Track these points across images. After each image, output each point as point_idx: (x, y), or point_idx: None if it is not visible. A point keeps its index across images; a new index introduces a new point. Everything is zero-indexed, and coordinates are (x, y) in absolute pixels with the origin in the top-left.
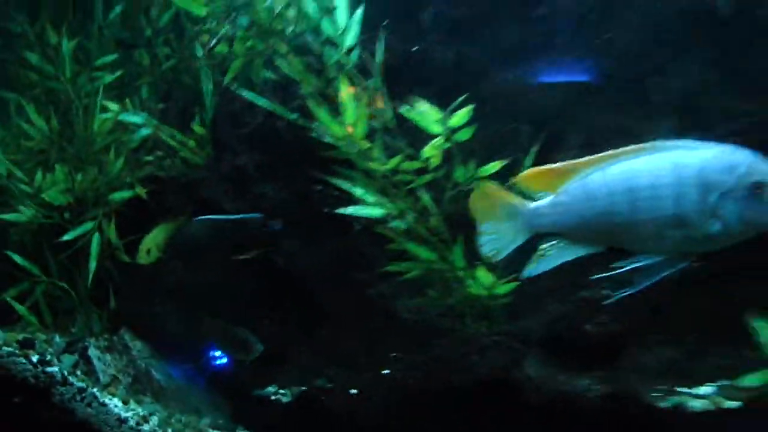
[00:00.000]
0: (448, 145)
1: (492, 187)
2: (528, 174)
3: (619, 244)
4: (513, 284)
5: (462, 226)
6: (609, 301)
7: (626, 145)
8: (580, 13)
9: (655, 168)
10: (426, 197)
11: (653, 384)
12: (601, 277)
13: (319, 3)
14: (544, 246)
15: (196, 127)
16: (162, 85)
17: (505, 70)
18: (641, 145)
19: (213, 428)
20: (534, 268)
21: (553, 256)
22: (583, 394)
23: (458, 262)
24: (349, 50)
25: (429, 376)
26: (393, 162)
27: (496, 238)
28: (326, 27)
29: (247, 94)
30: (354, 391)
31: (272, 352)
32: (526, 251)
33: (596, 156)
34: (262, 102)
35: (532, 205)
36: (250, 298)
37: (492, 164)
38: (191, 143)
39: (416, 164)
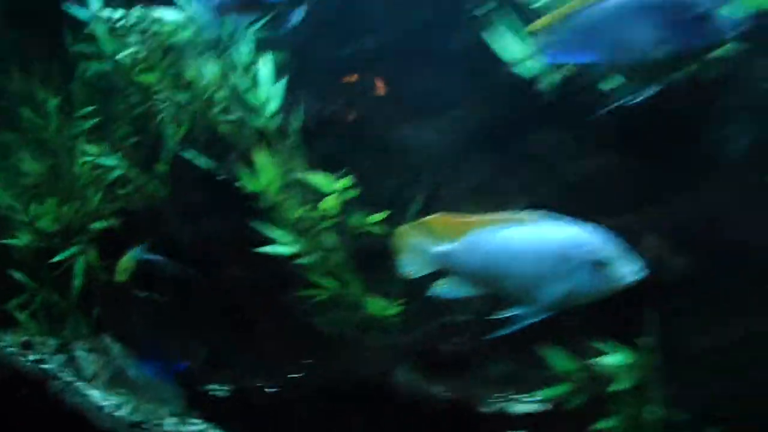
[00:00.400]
0: (342, 198)
1: (410, 229)
2: (435, 220)
3: (497, 293)
4: (400, 308)
5: (361, 260)
6: (488, 337)
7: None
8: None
9: (527, 237)
10: (329, 238)
11: (491, 391)
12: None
13: (246, 79)
14: (441, 281)
15: (159, 166)
16: (132, 129)
17: (404, 128)
18: (524, 215)
19: (171, 415)
20: (437, 291)
21: (450, 289)
22: (436, 398)
23: (355, 290)
24: (272, 116)
25: (330, 378)
26: (300, 211)
27: (412, 266)
28: (252, 98)
29: (187, 154)
30: (273, 389)
31: (216, 356)
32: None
33: (490, 216)
34: (201, 161)
35: (438, 247)
36: (201, 315)
37: (379, 215)
38: (155, 181)
39: (319, 213)
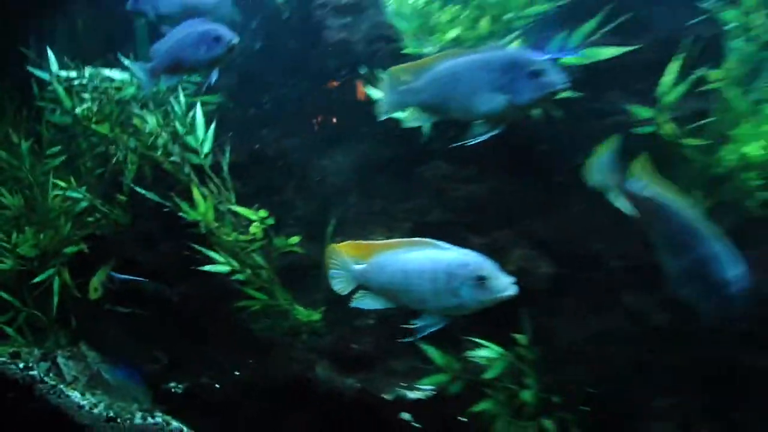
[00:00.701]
0: (263, 225)
1: (336, 250)
2: (346, 246)
3: (404, 304)
4: (320, 314)
5: (287, 275)
6: (406, 339)
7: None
8: None
9: (422, 259)
10: (257, 258)
11: (392, 381)
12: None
13: (183, 124)
14: (358, 294)
15: (120, 197)
16: (95, 165)
17: (320, 158)
18: (419, 240)
19: (140, 410)
20: (357, 303)
21: (366, 302)
22: (348, 388)
23: (283, 300)
24: (206, 155)
25: (265, 375)
26: (233, 235)
27: (339, 282)
28: (189, 140)
29: (138, 190)
30: (218, 386)
31: (173, 360)
32: None
33: (391, 241)
34: (149, 195)
35: (355, 267)
36: (162, 325)
37: (296, 237)
38: (117, 209)
39: (248, 237)
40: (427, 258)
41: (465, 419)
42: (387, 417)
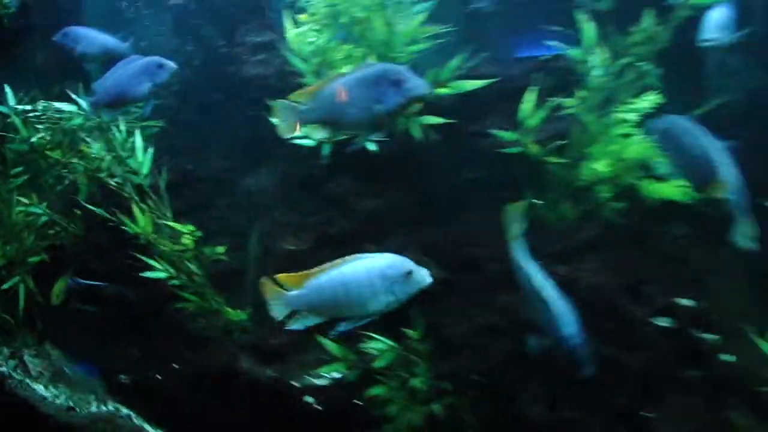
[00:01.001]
0: (193, 236)
1: (267, 284)
2: (282, 277)
3: (340, 315)
4: (246, 315)
5: (219, 280)
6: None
7: None
8: None
9: (357, 270)
10: (191, 265)
11: (302, 371)
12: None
13: (124, 149)
14: (297, 316)
15: (76, 212)
16: (54, 183)
17: (246, 177)
18: (351, 256)
19: (95, 400)
20: (294, 324)
21: (303, 321)
22: (267, 377)
23: (214, 302)
24: (145, 176)
25: (199, 367)
26: (169, 245)
27: (276, 309)
28: (131, 162)
29: (88, 206)
30: (159, 377)
31: (123, 354)
32: None
33: (323, 266)
34: (97, 210)
35: (289, 294)
36: (113, 325)
37: (220, 247)
38: (74, 223)
39: (181, 247)
40: (361, 268)
41: (361, 402)
42: (295, 401)
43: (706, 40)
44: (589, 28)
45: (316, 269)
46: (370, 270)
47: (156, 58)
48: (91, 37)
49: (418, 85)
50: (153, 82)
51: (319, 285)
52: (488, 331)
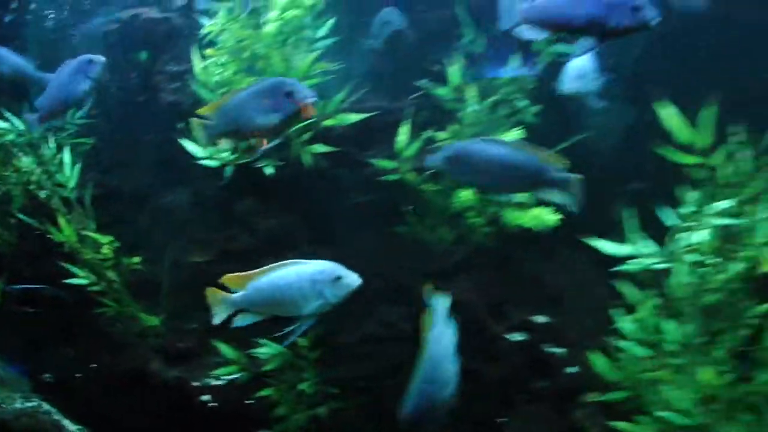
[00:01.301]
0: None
1: (213, 290)
2: (226, 278)
3: (278, 314)
4: (160, 320)
5: (137, 288)
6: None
7: None
8: None
9: (290, 274)
10: (111, 274)
11: (204, 372)
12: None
13: (53, 164)
14: (240, 315)
15: (10, 221)
16: None
17: (165, 194)
18: (282, 263)
19: (21, 397)
20: (238, 322)
21: (245, 319)
22: (173, 378)
23: (131, 308)
24: (72, 189)
25: (115, 367)
26: (91, 254)
27: (218, 313)
28: (59, 177)
29: (21, 216)
30: (81, 376)
31: (48, 355)
32: None
33: (263, 268)
34: (27, 220)
35: (232, 296)
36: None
37: (136, 258)
38: (8, 232)
39: (101, 256)
40: (293, 273)
41: (252, 402)
42: (195, 399)
43: (564, 90)
44: (453, 70)
45: (257, 271)
46: (301, 275)
47: (85, 56)
48: (3, 57)
49: (308, 95)
50: (89, 78)
51: (259, 286)
52: (372, 341)
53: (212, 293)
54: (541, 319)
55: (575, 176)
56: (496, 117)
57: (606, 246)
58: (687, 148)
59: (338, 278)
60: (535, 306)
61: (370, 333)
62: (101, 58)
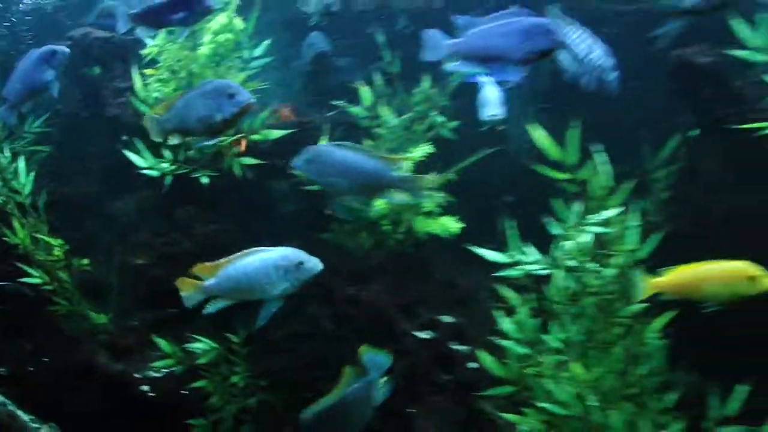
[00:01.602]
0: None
1: (185, 280)
2: (198, 267)
3: (247, 299)
4: (107, 318)
5: (87, 288)
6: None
7: None
8: None
9: (256, 261)
10: (62, 274)
11: (144, 364)
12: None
13: (8, 171)
14: (211, 302)
15: None
16: None
17: (114, 200)
18: (248, 250)
19: None
20: (210, 308)
21: (215, 305)
22: (117, 371)
23: (81, 306)
24: (27, 195)
25: (67, 361)
26: (42, 256)
27: (190, 299)
28: (15, 184)
29: None
30: (34, 369)
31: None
32: None
33: (231, 257)
34: None
35: (205, 283)
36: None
37: (85, 260)
38: None
39: (53, 257)
40: (259, 260)
41: (187, 392)
42: (136, 390)
43: (488, 117)
44: (365, 91)
45: (225, 260)
46: (266, 261)
47: (48, 47)
48: None
49: (248, 97)
50: (53, 68)
51: (228, 274)
52: (298, 337)
53: (186, 282)
54: (447, 318)
55: (415, 176)
56: (413, 132)
57: (488, 254)
58: (559, 166)
59: (301, 263)
60: (443, 307)
61: (296, 330)
62: (65, 49)
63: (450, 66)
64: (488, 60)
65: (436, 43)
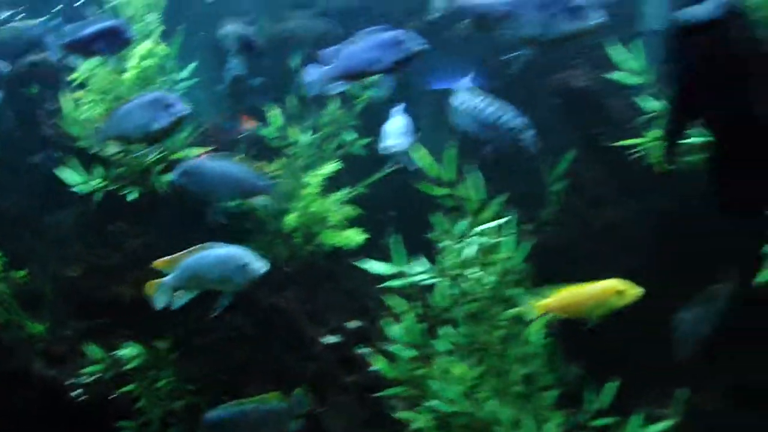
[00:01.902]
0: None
1: (152, 283)
2: (159, 261)
3: (206, 289)
4: (44, 327)
5: (26, 299)
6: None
7: None
8: None
9: (209, 257)
10: (1, 285)
11: (77, 370)
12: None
13: None
14: (177, 293)
15: None
16: None
17: (50, 215)
18: (202, 245)
19: None
20: (178, 302)
21: (180, 298)
22: (50, 378)
23: (19, 317)
24: None
25: (6, 368)
26: None
27: (159, 300)
28: None
29: None
30: None
31: None
32: None
33: (189, 250)
34: None
35: (165, 279)
36: None
37: (22, 272)
38: None
39: None
40: (212, 255)
41: (116, 396)
42: (67, 395)
43: (387, 148)
44: (275, 114)
45: (183, 252)
46: (217, 257)
47: None
48: None
49: (184, 107)
50: None
51: (186, 265)
52: (224, 343)
53: (149, 285)
54: (353, 324)
55: (277, 182)
56: (324, 150)
57: (374, 266)
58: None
59: (245, 265)
60: (350, 313)
61: (220, 336)
62: (6, 65)
63: (332, 88)
64: (361, 75)
65: (314, 75)
